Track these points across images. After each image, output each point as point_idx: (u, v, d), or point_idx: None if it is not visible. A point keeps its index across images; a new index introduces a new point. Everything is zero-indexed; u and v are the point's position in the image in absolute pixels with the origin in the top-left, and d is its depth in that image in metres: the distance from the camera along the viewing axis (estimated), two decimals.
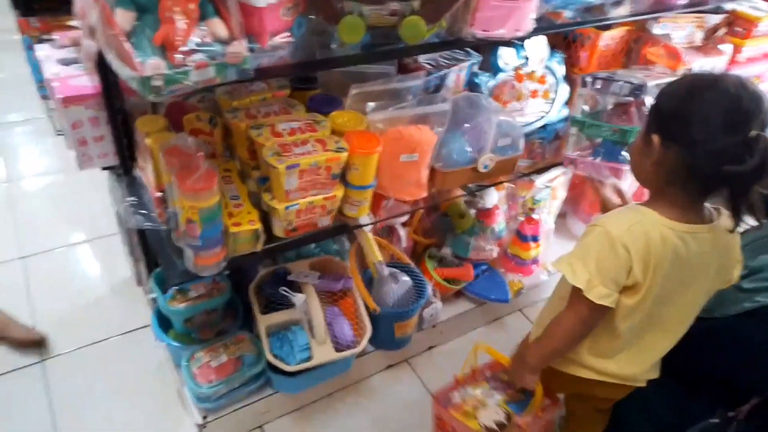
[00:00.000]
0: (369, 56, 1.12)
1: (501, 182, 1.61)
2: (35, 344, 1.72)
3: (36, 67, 2.61)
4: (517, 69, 1.59)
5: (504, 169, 1.48)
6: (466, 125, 1.39)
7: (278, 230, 1.25)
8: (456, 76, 1.49)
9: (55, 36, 1.45)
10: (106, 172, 1.48)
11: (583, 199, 2.14)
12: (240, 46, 0.89)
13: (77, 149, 1.31)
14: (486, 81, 1.55)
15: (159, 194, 1.20)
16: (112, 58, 0.86)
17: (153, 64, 0.82)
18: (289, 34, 1.05)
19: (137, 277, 1.88)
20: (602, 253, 1.01)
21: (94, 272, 2.03)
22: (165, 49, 0.84)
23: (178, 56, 0.84)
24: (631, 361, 1.17)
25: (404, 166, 1.31)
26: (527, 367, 1.20)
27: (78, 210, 2.28)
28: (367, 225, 1.42)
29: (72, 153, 1.34)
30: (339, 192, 1.24)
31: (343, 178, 1.25)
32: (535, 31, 1.23)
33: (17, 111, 2.87)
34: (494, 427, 1.25)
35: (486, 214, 1.90)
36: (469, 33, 1.17)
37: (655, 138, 0.98)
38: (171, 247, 1.20)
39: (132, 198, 1.28)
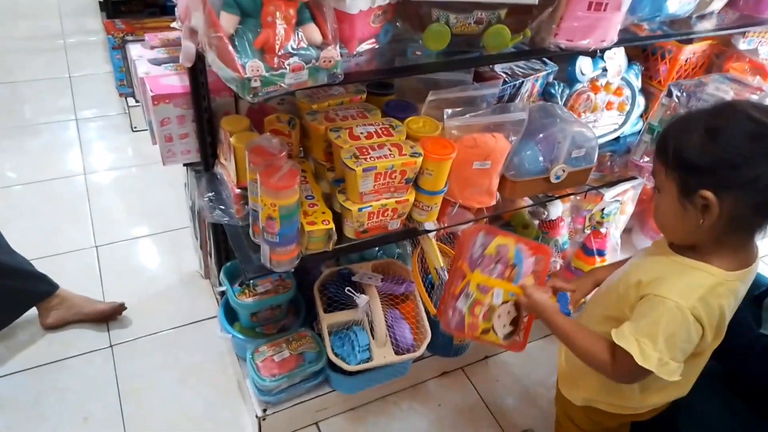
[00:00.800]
0: (451, 63, 1.13)
1: (571, 194, 1.59)
2: (117, 312, 1.83)
3: (117, 66, 2.76)
4: (593, 80, 1.57)
5: (575, 180, 1.46)
6: (540, 135, 1.38)
7: (349, 231, 1.27)
8: (531, 85, 1.48)
9: (146, 37, 1.52)
10: (177, 168, 1.55)
11: (651, 215, 2.08)
12: (333, 51, 0.91)
13: (163, 145, 1.38)
14: (561, 91, 1.54)
15: (238, 191, 1.25)
16: (212, 59, 0.90)
17: (253, 66, 0.85)
18: (375, 40, 1.08)
19: (204, 271, 1.95)
20: (674, 328, 0.92)
21: (162, 263, 2.12)
22: (263, 52, 0.88)
23: (276, 59, 0.87)
24: (679, 387, 1.12)
25: (476, 173, 1.31)
26: (539, 313, 1.12)
27: (150, 203, 2.38)
28: (435, 231, 1.43)
29: (155, 148, 1.41)
30: (411, 196, 1.26)
31: (415, 182, 1.26)
32: (619, 43, 1.22)
33: (96, 107, 3.03)
34: (509, 330, 1.20)
35: (550, 225, 1.87)
36: (553, 43, 1.16)
37: (707, 194, 0.88)
38: (247, 243, 1.24)
39: (211, 193, 1.33)
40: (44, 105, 3.03)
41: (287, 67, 0.88)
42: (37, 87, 3.20)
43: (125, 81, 2.76)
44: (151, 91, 1.30)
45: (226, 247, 1.58)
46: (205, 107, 1.30)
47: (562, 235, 1.89)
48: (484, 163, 1.29)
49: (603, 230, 1.81)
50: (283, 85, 0.89)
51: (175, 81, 1.34)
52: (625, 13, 1.20)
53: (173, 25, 1.02)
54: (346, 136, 1.21)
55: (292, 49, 0.89)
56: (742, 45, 1.62)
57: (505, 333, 1.19)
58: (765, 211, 0.90)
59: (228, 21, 0.86)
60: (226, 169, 1.30)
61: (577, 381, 1.21)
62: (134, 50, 1.47)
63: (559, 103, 1.55)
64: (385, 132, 1.25)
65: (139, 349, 1.79)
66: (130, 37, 2.63)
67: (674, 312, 0.92)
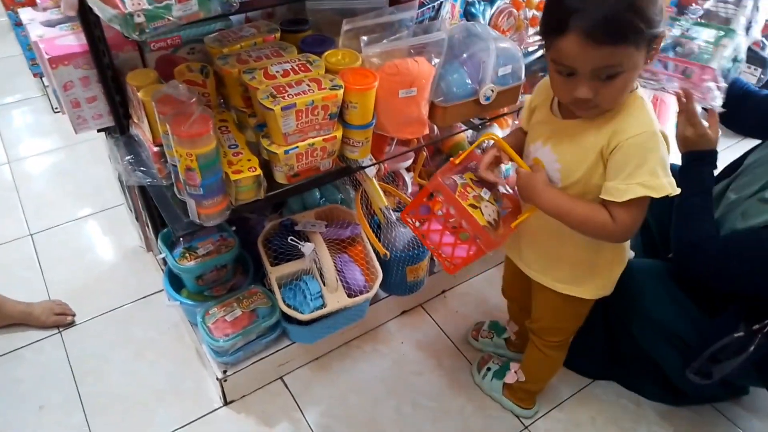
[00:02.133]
0: None
1: (504, 114, 1.57)
2: (59, 324, 1.73)
3: (25, 45, 2.56)
4: None
5: (506, 100, 1.45)
6: (464, 56, 1.34)
7: (280, 177, 1.23)
8: (451, 5, 1.44)
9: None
10: (105, 144, 1.46)
11: None
12: None
13: (71, 112, 1.29)
14: (482, 9, 1.50)
15: (156, 149, 1.19)
16: (93, 1, 0.82)
17: (134, 0, 0.78)
18: None
19: (146, 244, 1.89)
20: (660, 151, 0.99)
21: (103, 243, 2.04)
22: None
23: None
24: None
25: (403, 102, 1.27)
26: (532, 196, 1.10)
27: (82, 184, 2.27)
28: (370, 166, 1.40)
29: (67, 119, 1.32)
30: (338, 132, 1.22)
31: (341, 118, 1.22)
32: None
33: (12, 93, 2.84)
34: (492, 223, 1.13)
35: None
36: None
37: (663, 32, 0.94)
38: (174, 202, 1.19)
39: (130, 156, 1.26)
40: None
41: None
42: None
43: (36, 60, 2.58)
44: (46, 53, 1.20)
45: (159, 213, 1.52)
46: (107, 64, 1.21)
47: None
48: (410, 90, 1.26)
49: None
50: (171, 18, 0.83)
51: (72, 41, 1.25)
52: None
53: None
54: (261, 76, 1.16)
55: None
56: None
57: (488, 221, 1.11)
58: None
59: None
60: (141, 128, 1.23)
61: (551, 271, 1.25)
62: (25, 14, 1.36)
63: (482, 22, 1.51)
64: (302, 68, 1.19)
65: (89, 331, 1.73)
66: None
67: (652, 138, 0.99)
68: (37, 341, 1.69)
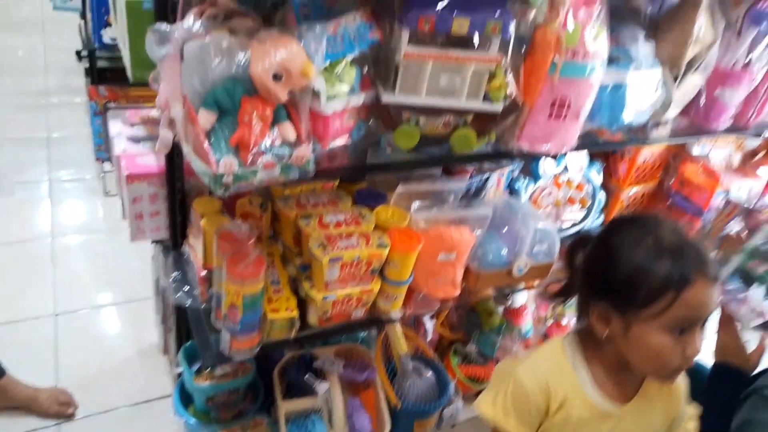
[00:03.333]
0: (420, 162, 1.17)
1: (532, 287, 1.62)
2: (62, 415, 1.72)
3: (96, 132, 2.79)
4: (555, 176, 1.64)
5: (538, 273, 1.50)
6: (504, 229, 1.42)
7: (313, 318, 1.27)
8: (497, 179, 1.54)
9: (127, 113, 1.56)
10: (151, 247, 1.54)
11: None
12: (306, 150, 0.95)
13: (133, 222, 1.38)
14: (525, 185, 1.60)
15: (204, 273, 1.25)
16: (188, 152, 0.92)
17: (226, 163, 0.88)
18: (348, 136, 1.12)
19: (164, 346, 1.90)
20: None
21: (122, 335, 2.06)
22: (238, 148, 0.91)
23: (250, 157, 0.90)
24: None
25: (441, 264, 1.33)
26: None
27: (115, 271, 2.34)
28: (399, 320, 1.43)
29: (125, 223, 1.41)
30: (376, 286, 1.27)
31: (380, 272, 1.28)
32: (578, 147, 1.29)
33: (71, 168, 3.02)
34: None
35: (514, 313, 1.89)
36: (516, 146, 1.22)
37: None
38: (208, 326, 1.22)
39: (177, 273, 1.32)
40: (20, 163, 3.01)
41: (260, 164, 0.91)
42: (15, 145, 3.19)
43: (103, 146, 2.78)
44: (126, 169, 1.31)
45: (187, 327, 1.55)
46: (179, 188, 1.31)
47: (526, 323, 1.91)
48: (449, 255, 1.32)
49: (564, 321, 1.84)
50: (254, 181, 0.92)
51: (151, 160, 1.37)
52: (585, 121, 1.27)
53: (153, 113, 1.06)
54: (315, 224, 1.24)
55: (266, 147, 0.92)
56: (696, 150, 1.72)
57: None
58: None
59: (206, 118, 0.89)
60: (194, 249, 1.31)
61: None
62: (114, 127, 1.50)
63: (524, 196, 1.61)
64: (354, 221, 1.28)
65: (88, 428, 1.70)
66: (112, 104, 2.67)
67: None
68: (36, 430, 1.66)
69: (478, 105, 1.12)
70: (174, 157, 1.26)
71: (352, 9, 1.08)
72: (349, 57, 1.02)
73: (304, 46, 0.91)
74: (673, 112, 1.46)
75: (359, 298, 1.26)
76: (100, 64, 2.91)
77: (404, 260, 1.25)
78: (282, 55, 0.88)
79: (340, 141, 1.11)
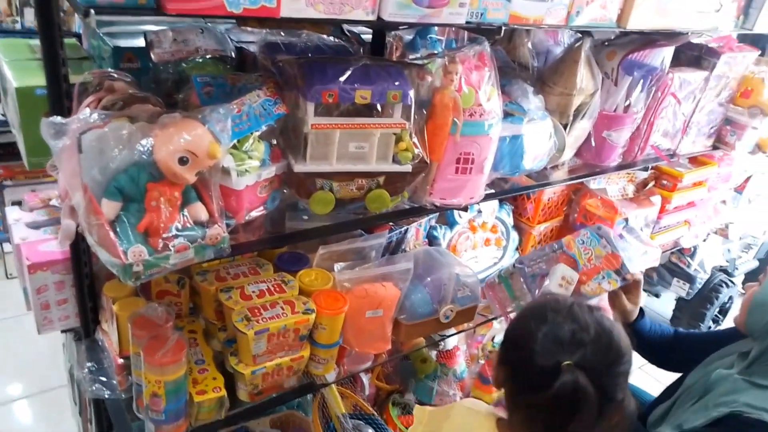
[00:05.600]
0: (339, 227, 1.19)
1: (461, 331, 1.66)
2: None
3: None
4: (470, 221, 1.71)
5: (464, 317, 1.54)
6: (427, 278, 1.46)
7: (242, 394, 1.23)
8: (416, 230, 1.59)
9: (25, 197, 1.47)
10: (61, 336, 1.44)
11: None
12: (219, 229, 0.94)
13: (39, 313, 1.29)
14: (443, 233, 1.66)
15: (121, 361, 1.18)
16: (93, 243, 0.89)
17: (135, 252, 0.85)
18: (263, 208, 1.13)
19: None
20: None
21: (37, 429, 1.89)
22: (147, 234, 0.89)
23: (161, 242, 0.88)
24: None
25: (369, 321, 1.34)
26: None
27: (24, 360, 2.16)
28: (335, 382, 1.42)
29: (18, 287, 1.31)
30: (306, 352, 1.25)
31: (309, 337, 1.27)
32: (487, 197, 1.36)
33: None
34: None
35: (447, 355, 1.92)
36: (429, 201, 1.28)
37: None
38: (130, 417, 1.15)
39: (91, 363, 1.25)
40: None
41: (172, 248, 0.89)
42: None
43: (0, 226, 2.60)
44: (27, 259, 1.23)
45: (108, 418, 1.45)
46: (86, 273, 1.25)
47: (459, 364, 1.95)
48: (377, 311, 1.33)
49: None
50: (167, 266, 0.90)
51: (55, 246, 1.29)
52: (490, 171, 1.35)
53: (52, 202, 1.01)
54: (237, 296, 1.21)
55: (177, 230, 0.90)
56: (593, 185, 1.86)
57: None
58: None
59: (109, 208, 0.87)
60: (108, 336, 1.24)
61: None
62: (12, 213, 1.41)
63: (442, 244, 1.66)
64: (277, 288, 1.26)
65: None
66: (8, 182, 2.52)
67: None
68: None
69: (388, 167, 1.16)
70: (79, 241, 1.20)
71: (253, 84, 1.10)
72: (256, 133, 1.03)
73: (209, 127, 0.91)
74: (568, 154, 1.58)
75: (290, 367, 1.24)
76: None
77: (332, 323, 1.25)
78: (187, 139, 0.88)
79: (256, 212, 1.11)
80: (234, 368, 1.19)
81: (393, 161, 1.17)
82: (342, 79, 1.06)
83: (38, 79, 1.14)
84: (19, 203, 1.52)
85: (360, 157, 1.15)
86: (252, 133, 1.02)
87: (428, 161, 1.20)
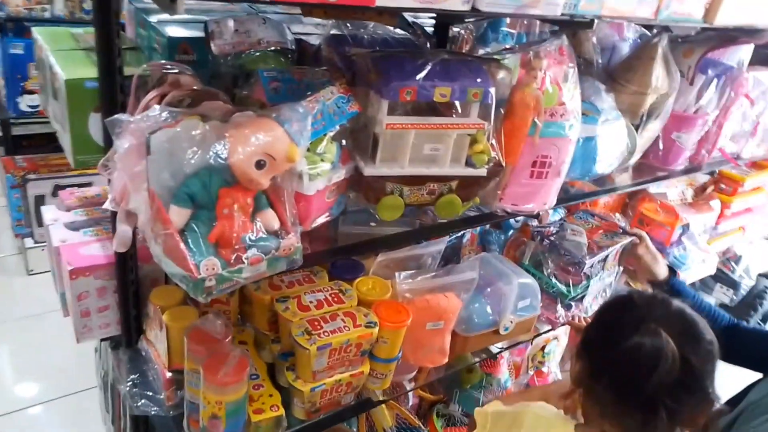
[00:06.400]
0: (412, 236, 1.11)
1: (519, 343, 1.57)
2: None
3: (15, 206, 2.53)
4: (525, 225, 1.62)
5: (523, 329, 1.45)
6: (487, 289, 1.37)
7: (299, 412, 1.14)
8: (471, 235, 1.50)
9: (60, 195, 1.39)
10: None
11: None
12: (293, 239, 0.86)
13: (78, 320, 1.21)
14: (497, 237, 1.57)
15: (170, 375, 1.10)
16: (158, 254, 0.81)
17: (208, 265, 0.77)
18: (329, 213, 1.04)
19: None
20: None
21: None
22: (218, 245, 0.80)
23: (233, 254, 0.79)
24: None
25: (429, 333, 1.26)
26: None
27: (47, 362, 2.09)
28: (392, 398, 1.33)
29: (54, 295, 1.24)
30: (366, 367, 1.17)
31: (369, 351, 1.18)
32: (558, 203, 1.27)
33: None
34: None
35: (492, 364, 1.84)
36: (499, 207, 1.19)
37: None
38: None
39: (135, 376, 1.17)
40: None
41: (245, 261, 0.80)
42: None
43: (23, 221, 2.52)
44: (68, 264, 1.15)
45: (146, 430, 1.38)
46: (132, 279, 1.17)
47: (503, 372, 1.86)
48: (437, 323, 1.25)
49: (545, 369, 1.80)
50: (240, 280, 0.81)
51: (97, 249, 1.21)
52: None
53: (106, 205, 0.92)
54: (294, 307, 1.13)
55: (250, 240, 0.82)
56: (653, 188, 1.77)
57: None
58: None
59: (179, 216, 0.78)
60: (155, 347, 1.16)
61: None
62: (48, 213, 1.33)
63: (495, 248, 1.58)
64: (335, 299, 1.18)
65: None
66: (32, 176, 2.44)
67: None
68: None
69: (464, 171, 1.07)
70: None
71: (320, 79, 1.01)
72: (330, 133, 0.94)
73: (286, 128, 0.82)
74: (636, 157, 1.49)
75: (349, 383, 1.16)
76: (15, 131, 2.67)
77: (394, 337, 1.17)
78: (265, 141, 0.79)
79: (321, 219, 1.02)
80: (292, 384, 1.11)
81: (466, 164, 1.08)
82: (421, 75, 0.97)
83: (87, 71, 1.05)
84: (42, 197, 1.44)
85: (433, 160, 1.06)
86: (326, 134, 0.93)
87: (503, 164, 1.11)
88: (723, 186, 1.85)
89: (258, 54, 1.11)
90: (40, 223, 2.53)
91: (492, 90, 1.03)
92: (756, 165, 1.94)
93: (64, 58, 1.12)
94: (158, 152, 0.77)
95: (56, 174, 2.46)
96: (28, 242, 2.51)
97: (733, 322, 1.47)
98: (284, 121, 0.82)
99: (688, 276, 1.77)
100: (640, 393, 0.87)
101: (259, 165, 0.79)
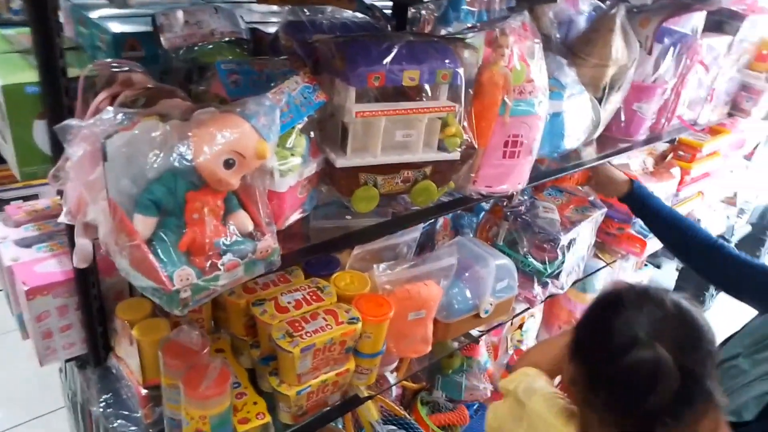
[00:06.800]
0: (388, 227, 1.07)
1: (499, 324, 1.57)
2: None
3: None
4: (495, 206, 1.61)
5: (502, 310, 1.45)
6: (465, 273, 1.36)
7: (285, 417, 1.11)
8: (444, 220, 1.48)
9: (6, 210, 1.29)
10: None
11: (555, 318, 2.15)
12: (270, 240, 0.81)
13: (40, 343, 1.13)
14: (470, 221, 1.56)
15: (145, 392, 1.04)
16: (125, 267, 0.75)
17: (182, 275, 0.72)
18: (302, 210, 1.00)
19: None
20: None
21: None
22: (189, 253, 0.75)
23: (208, 261, 0.74)
24: None
25: (412, 324, 1.24)
26: None
27: (8, 386, 1.97)
28: (380, 393, 1.31)
29: (27, 341, 1.16)
30: (351, 365, 1.14)
31: (353, 347, 1.15)
32: (530, 182, 1.26)
33: None
34: None
35: (471, 347, 1.84)
36: (474, 190, 1.17)
37: None
38: None
39: (108, 395, 1.10)
40: None
41: (221, 267, 0.76)
42: None
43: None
44: (24, 284, 1.07)
45: None
46: (95, 294, 1.10)
47: (482, 354, 1.87)
48: (419, 312, 1.23)
49: (524, 347, 1.81)
50: (217, 288, 0.76)
51: (53, 266, 1.13)
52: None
53: (61, 219, 0.85)
54: (272, 309, 1.09)
55: (224, 245, 0.77)
56: (615, 160, 1.78)
57: None
58: None
59: (145, 225, 0.73)
60: (126, 364, 1.09)
61: None
62: None
63: (469, 232, 1.56)
64: (314, 297, 1.14)
65: None
66: None
67: None
68: None
69: (437, 155, 1.04)
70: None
71: (281, 69, 0.96)
72: (299, 126, 0.89)
73: (253, 123, 0.77)
74: (599, 131, 1.49)
75: (335, 382, 1.12)
76: None
77: (377, 331, 1.14)
78: (232, 138, 0.74)
79: (295, 216, 0.98)
80: (276, 389, 1.07)
81: (439, 149, 1.06)
82: (388, 59, 0.94)
83: (26, 75, 0.97)
84: None
85: (405, 147, 1.03)
86: (294, 127, 0.88)
87: (476, 146, 1.09)
88: (681, 153, 1.89)
89: (212, 46, 1.05)
90: None
91: (461, 71, 1.00)
92: (712, 130, 1.99)
93: None
94: (115, 158, 0.70)
95: (3, 186, 2.31)
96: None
97: (714, 240, 1.41)
98: (250, 116, 0.77)
99: (652, 245, 1.80)
100: (639, 413, 0.83)
101: (228, 164, 0.74)
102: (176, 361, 0.92)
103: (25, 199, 2.35)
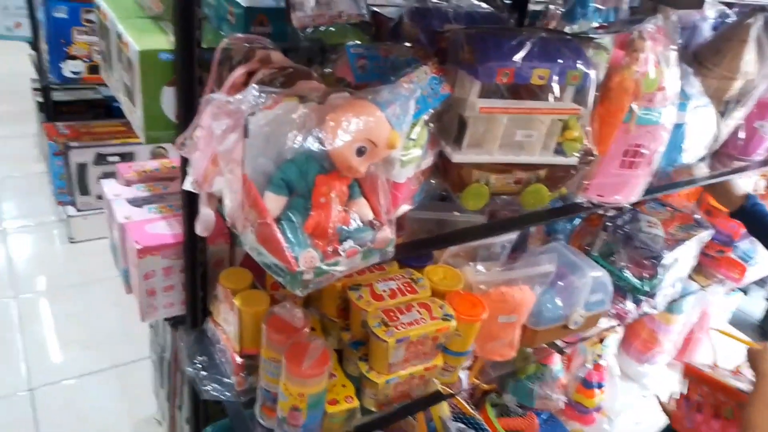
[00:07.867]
0: (492, 229, 1.05)
1: (585, 339, 1.52)
2: None
3: (57, 173, 2.52)
4: (592, 213, 1.55)
5: (591, 324, 1.40)
6: (559, 282, 1.31)
7: (370, 403, 1.11)
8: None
9: (118, 168, 1.36)
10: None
11: (635, 336, 2.06)
12: (388, 231, 0.81)
13: (143, 299, 1.19)
14: (564, 227, 1.51)
15: (241, 360, 1.08)
16: (251, 242, 0.76)
17: (307, 257, 0.72)
18: (411, 201, 0.99)
19: (169, 423, 1.69)
20: None
21: (111, 409, 1.83)
22: (312, 236, 0.76)
23: (329, 246, 0.75)
24: None
25: (501, 327, 1.22)
26: None
27: (95, 332, 2.10)
28: (462, 391, 1.30)
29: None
30: (439, 361, 1.13)
31: (443, 344, 1.14)
32: (644, 194, 1.20)
33: (28, 216, 2.72)
34: None
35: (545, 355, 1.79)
36: (585, 197, 1.12)
37: None
38: (252, 425, 1.05)
39: (203, 358, 1.14)
40: None
41: (342, 253, 0.76)
42: None
43: (65, 189, 2.51)
44: (137, 243, 1.12)
45: (206, 410, 1.36)
46: (200, 260, 1.13)
47: (556, 363, 1.82)
48: (511, 317, 1.20)
49: (603, 362, 1.75)
50: (335, 273, 0.77)
51: (164, 228, 1.18)
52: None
53: (186, 186, 0.88)
54: (368, 295, 1.09)
55: (346, 231, 0.77)
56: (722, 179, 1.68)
57: None
58: None
59: (276, 203, 0.74)
60: (224, 331, 1.13)
61: None
62: (109, 188, 1.30)
63: (561, 238, 1.51)
64: (408, 288, 1.14)
65: None
66: (74, 143, 2.42)
67: None
68: None
69: (555, 159, 1.01)
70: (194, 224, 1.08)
71: (405, 57, 0.95)
72: (425, 117, 0.88)
73: (385, 112, 0.76)
74: (715, 147, 1.40)
75: (422, 376, 1.12)
76: (57, 97, 2.65)
77: (469, 330, 1.12)
78: (367, 126, 0.74)
79: (405, 208, 0.97)
80: (365, 375, 1.07)
81: (555, 152, 1.02)
82: (520, 55, 0.90)
83: (161, 41, 1.00)
84: (84, 165, 1.41)
85: (522, 147, 1.00)
86: (420, 118, 0.87)
87: (595, 153, 1.04)
88: None
89: (336, 29, 1.05)
90: (83, 192, 2.54)
91: (592, 73, 0.95)
92: None
93: (133, 26, 1.06)
94: (257, 136, 0.72)
95: (98, 142, 2.44)
96: (70, 210, 2.51)
97: None
98: (382, 104, 0.77)
99: (756, 271, 1.69)
100: None
101: (360, 152, 0.74)
102: (280, 336, 0.94)
103: (122, 156, 2.48)
